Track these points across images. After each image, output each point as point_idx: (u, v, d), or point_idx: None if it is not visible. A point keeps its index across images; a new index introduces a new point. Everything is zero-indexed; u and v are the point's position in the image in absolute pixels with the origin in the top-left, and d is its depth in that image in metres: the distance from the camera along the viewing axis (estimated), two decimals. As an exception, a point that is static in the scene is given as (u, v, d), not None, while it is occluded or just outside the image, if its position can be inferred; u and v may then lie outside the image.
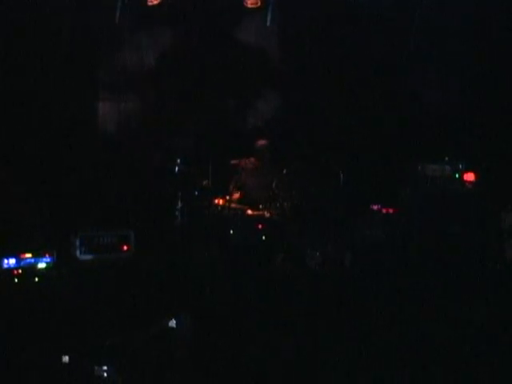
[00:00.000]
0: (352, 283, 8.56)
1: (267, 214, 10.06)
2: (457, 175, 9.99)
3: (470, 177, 10.02)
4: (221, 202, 10.12)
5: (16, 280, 8.41)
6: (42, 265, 8.55)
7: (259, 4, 11.27)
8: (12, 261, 8.46)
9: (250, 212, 10.14)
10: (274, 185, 10.27)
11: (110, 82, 11.03)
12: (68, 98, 10.71)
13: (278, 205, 10.12)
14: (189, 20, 11.31)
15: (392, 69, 11.80)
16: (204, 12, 11.30)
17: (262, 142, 10.79)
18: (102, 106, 11.03)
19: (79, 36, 10.82)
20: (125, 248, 9.50)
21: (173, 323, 6.99)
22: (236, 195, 10.47)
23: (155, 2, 10.72)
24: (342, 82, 11.49)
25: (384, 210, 9.91)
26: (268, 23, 11.58)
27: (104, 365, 6.19)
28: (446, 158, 10.10)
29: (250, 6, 11.26)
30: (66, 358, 6.25)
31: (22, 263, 8.50)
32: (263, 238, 9.65)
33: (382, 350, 6.95)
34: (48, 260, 8.59)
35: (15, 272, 8.44)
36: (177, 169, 10.20)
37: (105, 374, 6.16)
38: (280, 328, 7.40)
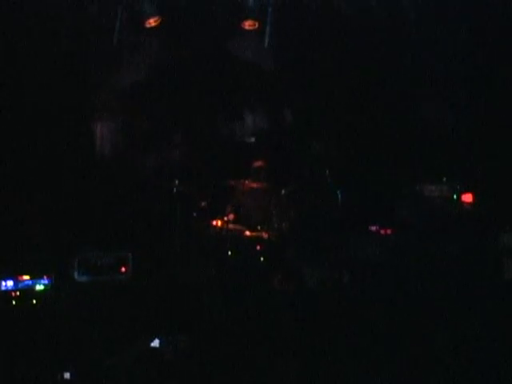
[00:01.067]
0: (351, 303, 8.54)
1: (265, 235, 10.04)
2: (455, 196, 10.00)
3: (468, 198, 10.02)
4: (219, 223, 10.12)
5: (14, 302, 8.38)
6: (39, 287, 8.52)
7: (256, 26, 11.33)
8: (10, 283, 8.43)
9: (247, 233, 10.13)
10: (271, 205, 10.27)
11: (108, 103, 11.05)
12: (67, 120, 10.73)
13: (275, 225, 10.11)
14: (186, 42, 11.37)
15: (390, 89, 11.84)
16: (201, 34, 11.35)
17: (259, 163, 10.79)
18: (100, 127, 11.04)
19: (77, 57, 10.86)
20: (123, 269, 9.47)
21: (156, 343, 6.97)
22: (233, 216, 10.44)
23: (153, 24, 10.78)
24: (339, 101, 11.52)
25: (382, 231, 9.91)
26: (265, 45, 11.65)
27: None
28: (444, 179, 10.11)
29: (247, 28, 11.32)
30: (67, 375, 6.24)
31: (20, 285, 8.47)
32: (261, 258, 9.64)
33: (381, 367, 6.93)
34: (46, 282, 8.55)
35: (13, 294, 8.41)
36: (175, 190, 10.22)
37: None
38: (278, 348, 7.38)
